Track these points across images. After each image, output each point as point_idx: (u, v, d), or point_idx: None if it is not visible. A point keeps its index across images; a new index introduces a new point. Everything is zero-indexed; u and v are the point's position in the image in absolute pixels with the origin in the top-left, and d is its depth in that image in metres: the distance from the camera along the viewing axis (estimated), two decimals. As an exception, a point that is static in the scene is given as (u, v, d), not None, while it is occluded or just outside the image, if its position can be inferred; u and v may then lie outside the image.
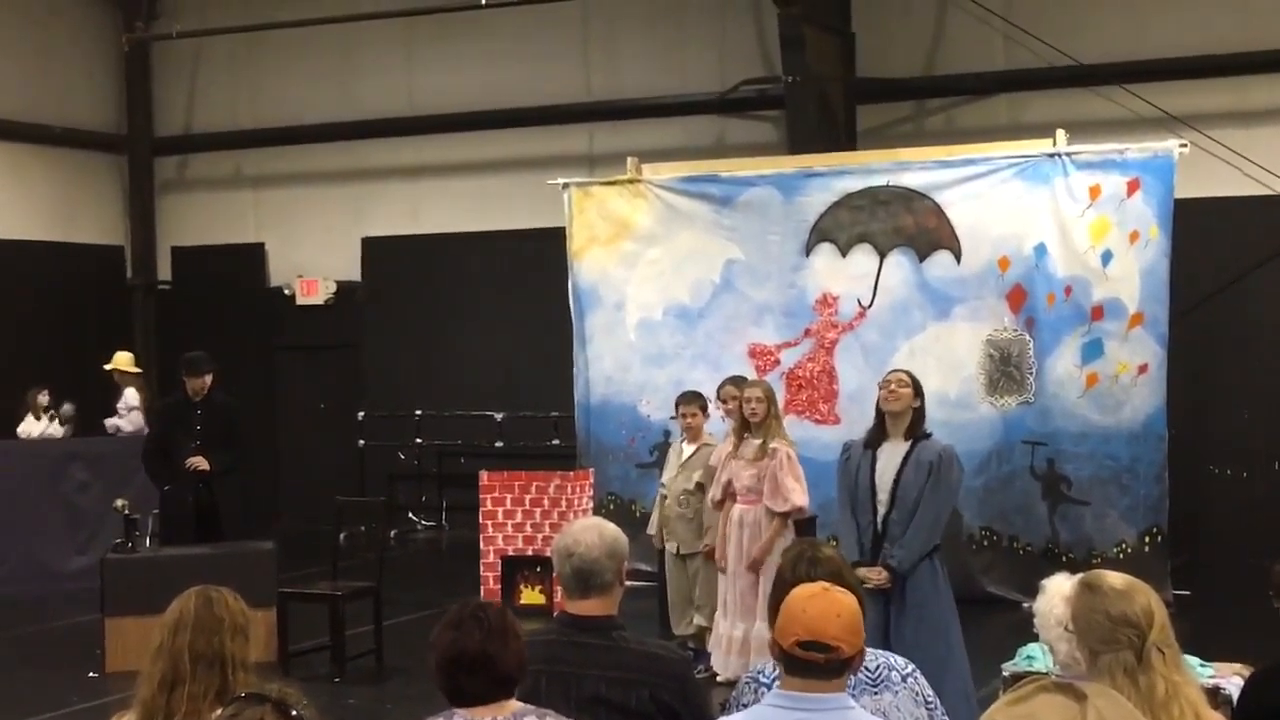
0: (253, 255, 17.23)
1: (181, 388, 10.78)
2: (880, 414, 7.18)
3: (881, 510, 7.00)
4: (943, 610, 7.12)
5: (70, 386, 14.00)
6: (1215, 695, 5.69)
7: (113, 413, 13.71)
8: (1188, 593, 11.17)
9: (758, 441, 8.72)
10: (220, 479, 10.53)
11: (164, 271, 17.75)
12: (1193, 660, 5.85)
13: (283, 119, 16.85)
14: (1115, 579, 3.81)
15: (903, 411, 7.09)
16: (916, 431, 7.12)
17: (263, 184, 17.33)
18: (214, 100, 17.39)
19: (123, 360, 13.91)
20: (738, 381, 9.65)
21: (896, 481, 6.99)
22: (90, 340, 15.52)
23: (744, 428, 8.86)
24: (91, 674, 9.57)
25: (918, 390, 7.15)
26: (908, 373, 7.31)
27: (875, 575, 6.93)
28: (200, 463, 10.38)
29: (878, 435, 7.15)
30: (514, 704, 3.67)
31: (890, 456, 7.07)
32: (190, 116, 17.60)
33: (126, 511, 10.09)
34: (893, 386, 7.11)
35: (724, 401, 9.50)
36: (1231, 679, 6.00)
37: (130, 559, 9.83)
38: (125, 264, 17.64)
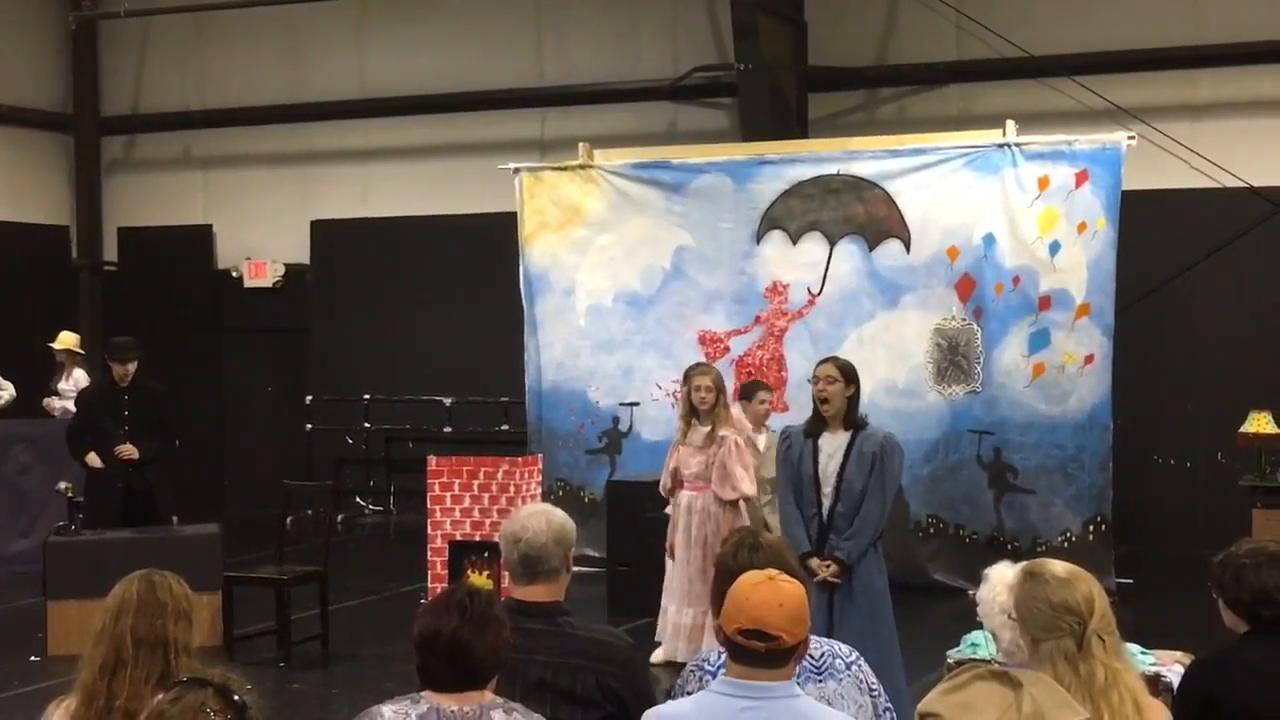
0: (200, 237, 17.09)
1: (108, 372, 10.69)
2: (814, 400, 7.18)
3: (827, 502, 7.01)
4: (885, 597, 7.17)
5: (12, 367, 13.83)
6: (1156, 683, 5.75)
7: (53, 394, 13.57)
8: (1131, 581, 11.29)
9: (706, 429, 8.73)
10: (153, 465, 10.44)
11: (110, 252, 17.58)
12: (1134, 648, 5.89)
13: (231, 100, 16.73)
14: (1057, 567, 3.85)
15: (838, 406, 7.08)
16: (854, 420, 7.11)
17: (211, 165, 17.20)
18: (162, 80, 17.23)
19: (72, 341, 13.77)
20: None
21: (841, 473, 7.00)
22: (34, 321, 15.34)
23: (691, 414, 8.86)
24: (33, 657, 9.48)
25: (850, 378, 7.12)
26: (837, 364, 7.16)
27: (824, 569, 6.95)
28: (130, 451, 10.32)
29: (817, 425, 7.14)
30: (486, 695, 3.65)
31: (832, 446, 7.06)
32: (138, 96, 17.43)
33: (70, 494, 10.01)
34: (821, 385, 7.02)
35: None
36: (1172, 667, 6.05)
37: (73, 542, 9.74)
38: (71, 244, 17.45)
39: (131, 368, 10.51)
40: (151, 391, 10.65)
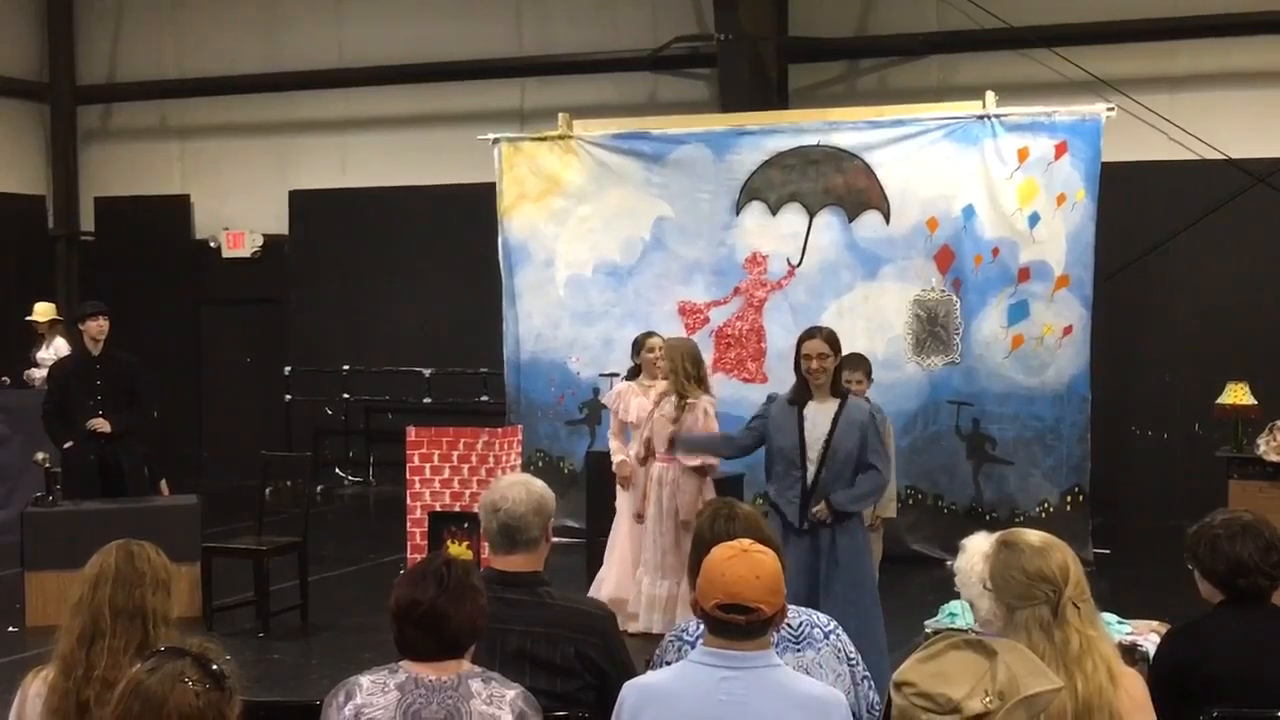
0: (178, 207, 17.03)
1: (79, 342, 10.64)
2: (797, 372, 7.17)
3: (811, 469, 7.02)
4: (868, 566, 7.19)
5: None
6: (1132, 652, 5.79)
7: (31, 364, 13.51)
8: (1108, 552, 11.35)
9: (674, 398, 8.69)
10: (124, 438, 10.41)
11: (87, 222, 17.50)
12: (1111, 618, 5.94)
13: (209, 69, 16.63)
14: (1032, 536, 3.87)
15: (829, 378, 7.10)
16: (840, 388, 7.15)
17: (188, 135, 17.11)
18: (139, 49, 17.13)
19: (50, 310, 13.73)
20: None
21: (828, 440, 7.01)
22: (10, 291, 15.28)
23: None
24: (11, 628, 9.48)
25: (837, 349, 7.14)
26: (825, 338, 7.15)
27: (815, 509, 6.98)
28: (102, 425, 10.29)
29: (803, 394, 7.14)
30: (464, 665, 3.66)
31: (819, 414, 7.07)
32: (114, 65, 17.32)
33: (48, 465, 9.98)
34: (815, 363, 7.01)
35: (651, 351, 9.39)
36: (1149, 636, 6.09)
37: (51, 513, 9.71)
38: (47, 214, 17.37)
39: (104, 324, 10.45)
40: (123, 363, 10.60)
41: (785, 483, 7.07)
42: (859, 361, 8.59)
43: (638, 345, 9.58)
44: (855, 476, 7.06)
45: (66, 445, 10.36)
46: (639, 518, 8.96)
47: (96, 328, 10.44)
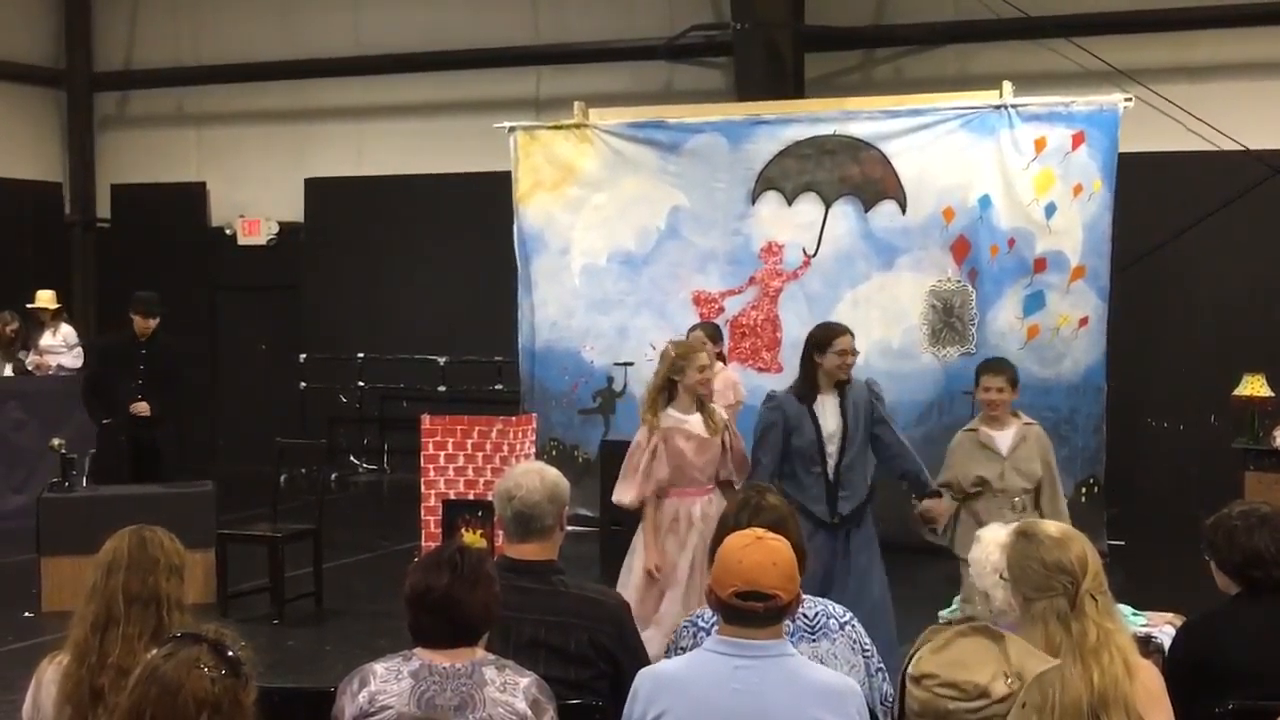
0: (194, 194, 17.05)
1: (128, 325, 10.75)
2: (809, 367, 7.12)
3: (832, 461, 7.02)
4: (877, 557, 7.20)
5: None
6: (1147, 644, 5.77)
7: (36, 351, 13.52)
8: (1123, 543, 11.32)
9: (695, 416, 7.07)
10: (161, 422, 10.51)
11: (103, 209, 17.54)
12: (1126, 609, 5.92)
13: (226, 56, 16.64)
14: (1051, 527, 3.86)
15: None
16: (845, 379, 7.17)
17: (205, 122, 17.13)
18: (155, 36, 17.14)
19: (54, 298, 13.77)
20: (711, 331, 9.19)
21: (844, 431, 7.02)
22: (27, 278, 15.29)
23: (666, 398, 7.12)
24: (27, 613, 9.51)
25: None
26: (851, 335, 7.21)
27: (938, 509, 7.24)
28: (143, 409, 10.42)
29: (810, 390, 7.10)
30: (477, 652, 3.66)
31: (828, 407, 7.08)
32: (131, 52, 17.34)
33: (63, 451, 10.01)
34: (850, 359, 7.06)
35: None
36: (1164, 628, 6.08)
37: (67, 498, 9.75)
38: (64, 201, 17.40)
39: (154, 324, 10.71)
40: (168, 349, 10.81)
41: (807, 480, 7.02)
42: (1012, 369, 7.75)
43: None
44: (868, 455, 7.09)
45: (105, 421, 10.49)
46: (655, 573, 6.97)
47: (147, 325, 10.71)
